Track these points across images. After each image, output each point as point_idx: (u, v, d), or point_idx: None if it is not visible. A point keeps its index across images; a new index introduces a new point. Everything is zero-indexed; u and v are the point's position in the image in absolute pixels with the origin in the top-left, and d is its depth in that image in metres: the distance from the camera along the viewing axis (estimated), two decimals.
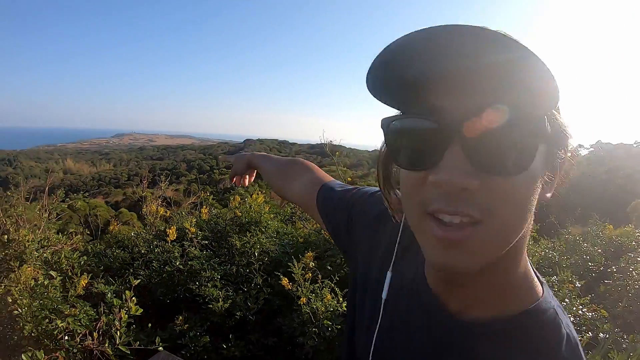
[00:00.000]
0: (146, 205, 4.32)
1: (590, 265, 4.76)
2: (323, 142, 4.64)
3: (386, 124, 0.52)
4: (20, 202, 3.28)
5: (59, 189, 3.84)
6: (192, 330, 2.86)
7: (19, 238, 2.85)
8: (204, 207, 4.39)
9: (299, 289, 2.70)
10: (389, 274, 0.72)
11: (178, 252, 3.38)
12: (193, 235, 3.54)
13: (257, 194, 4.12)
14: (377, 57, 0.46)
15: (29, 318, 2.24)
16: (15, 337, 2.26)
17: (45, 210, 3.44)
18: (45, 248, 3.00)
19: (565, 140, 0.51)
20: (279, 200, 5.32)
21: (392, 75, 0.48)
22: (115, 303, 2.39)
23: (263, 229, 3.92)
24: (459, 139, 0.45)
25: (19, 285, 2.37)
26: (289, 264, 2.78)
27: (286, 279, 2.76)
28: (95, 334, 2.32)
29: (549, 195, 0.54)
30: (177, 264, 3.28)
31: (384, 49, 0.45)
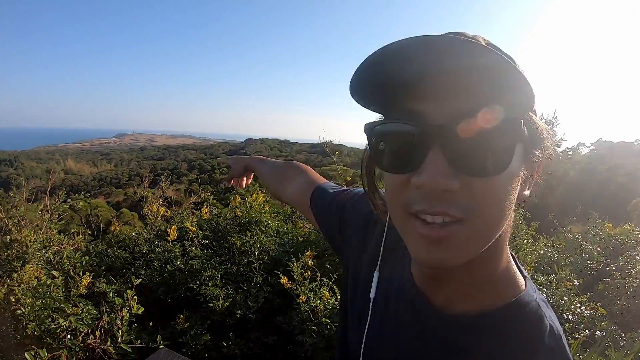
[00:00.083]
0: (147, 205, 4.34)
1: (589, 264, 4.77)
2: (323, 141, 4.66)
3: (369, 128, 0.55)
4: (22, 203, 3.30)
5: (60, 190, 3.86)
6: (192, 328, 2.88)
7: (21, 238, 2.88)
8: (205, 206, 4.42)
9: (298, 287, 2.73)
10: (376, 274, 0.75)
11: (179, 252, 3.40)
12: (194, 235, 3.56)
13: (258, 193, 4.15)
14: (359, 66, 0.48)
15: (32, 317, 2.26)
16: (19, 336, 2.28)
17: (47, 211, 3.46)
18: (48, 248, 3.02)
19: (541, 140, 0.53)
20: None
21: (374, 82, 0.50)
22: (117, 302, 2.41)
23: (263, 229, 3.95)
24: (439, 142, 0.47)
25: (22, 285, 2.39)
26: (289, 262, 2.81)
27: (285, 277, 2.79)
28: (97, 333, 2.34)
29: (527, 192, 0.56)
30: (178, 263, 3.31)
31: (366, 58, 0.47)
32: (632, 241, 5.41)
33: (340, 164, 5.19)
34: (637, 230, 5.86)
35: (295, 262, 2.76)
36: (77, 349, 2.28)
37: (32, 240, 2.88)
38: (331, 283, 2.83)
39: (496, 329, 0.57)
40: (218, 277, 3.24)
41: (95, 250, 3.63)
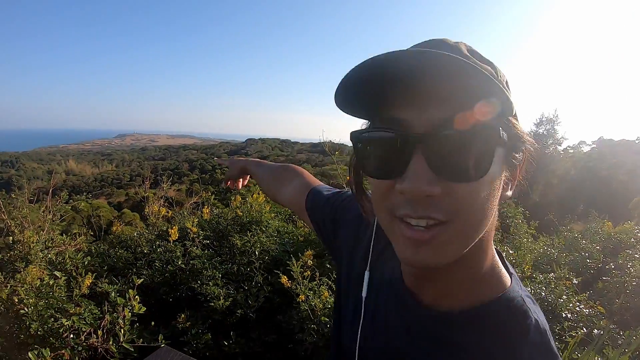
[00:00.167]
0: (148, 206, 4.37)
1: (589, 262, 4.78)
2: (322, 141, 4.68)
3: (355, 136, 0.58)
4: (25, 204, 3.33)
5: (62, 191, 3.89)
6: (194, 327, 2.91)
7: (24, 239, 2.91)
8: (206, 207, 4.44)
9: (298, 286, 2.75)
10: (367, 274, 0.77)
11: (180, 252, 3.43)
12: (195, 235, 3.59)
13: (258, 194, 4.17)
14: (343, 78, 0.51)
15: (35, 317, 2.29)
16: (22, 336, 2.30)
17: (49, 212, 3.49)
18: (50, 249, 3.05)
19: (521, 143, 0.56)
20: None
21: (358, 91, 0.53)
22: (119, 302, 2.44)
23: (264, 228, 3.98)
24: (421, 149, 0.50)
25: (25, 285, 2.42)
26: (288, 262, 2.83)
27: (285, 277, 2.82)
28: (99, 332, 2.36)
29: (509, 192, 0.59)
30: (179, 263, 3.34)
31: (350, 70, 0.50)
32: (632, 240, 5.42)
33: (341, 164, 5.21)
34: (636, 229, 5.87)
35: (294, 262, 2.79)
36: (80, 348, 2.31)
37: (35, 241, 2.91)
38: (330, 282, 2.86)
39: (482, 324, 0.60)
40: (219, 276, 3.26)
41: (97, 251, 3.65)
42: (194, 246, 3.53)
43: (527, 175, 0.61)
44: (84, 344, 2.33)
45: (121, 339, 2.35)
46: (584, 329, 2.87)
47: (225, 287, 3.19)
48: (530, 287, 3.12)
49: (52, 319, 2.32)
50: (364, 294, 0.76)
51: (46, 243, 3.08)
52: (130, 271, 3.39)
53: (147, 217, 4.31)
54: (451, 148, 0.49)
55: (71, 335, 2.33)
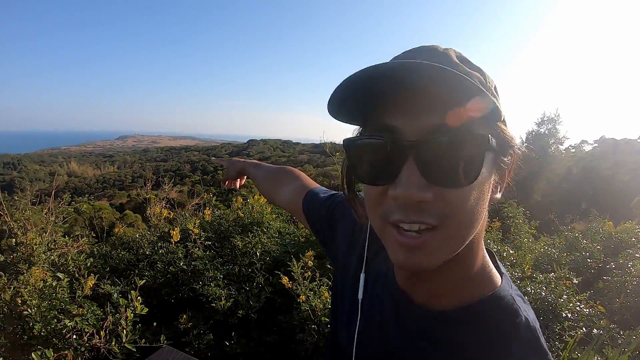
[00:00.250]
0: (150, 207, 4.39)
1: (589, 262, 4.78)
2: (323, 142, 4.70)
3: (347, 144, 0.59)
4: (27, 206, 3.35)
5: (64, 193, 3.91)
6: (195, 328, 2.93)
7: (26, 241, 2.93)
8: (207, 208, 4.46)
9: (299, 287, 2.77)
10: (362, 276, 0.79)
11: (182, 253, 3.45)
12: (196, 236, 3.61)
13: (260, 195, 4.18)
14: (337, 87, 0.53)
15: (39, 318, 2.31)
16: (26, 337, 2.33)
17: (52, 214, 3.50)
18: (53, 251, 3.07)
19: (510, 147, 0.58)
20: None
21: (351, 99, 0.54)
22: (121, 303, 2.46)
23: (265, 230, 3.99)
24: (412, 156, 0.51)
25: (28, 286, 2.44)
26: (289, 263, 2.85)
27: (286, 277, 2.83)
28: (102, 333, 2.39)
29: (498, 195, 0.61)
30: (181, 264, 3.36)
31: (344, 79, 0.52)
32: (633, 239, 5.41)
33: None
34: (637, 228, 5.85)
35: (295, 263, 2.80)
36: (83, 348, 2.33)
37: (38, 243, 2.93)
38: (330, 283, 2.87)
39: (473, 322, 0.61)
40: (220, 277, 3.28)
41: (100, 252, 3.68)
42: (196, 247, 3.55)
43: (516, 178, 0.63)
44: (87, 344, 2.35)
45: (123, 340, 2.37)
46: (584, 328, 2.88)
47: (227, 288, 3.21)
48: (531, 287, 3.12)
49: (55, 320, 2.34)
50: (360, 296, 0.77)
51: (49, 245, 3.10)
52: (132, 272, 3.41)
53: (149, 218, 4.33)
54: (441, 155, 0.50)
55: (74, 336, 2.35)
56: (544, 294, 3.07)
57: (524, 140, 24.29)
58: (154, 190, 5.47)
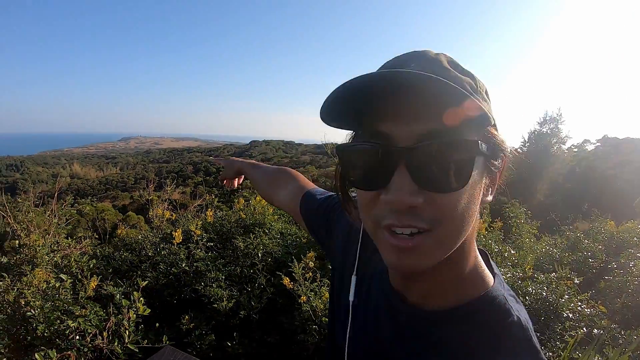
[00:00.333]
0: (153, 209, 4.40)
1: (591, 262, 4.77)
2: (324, 143, 4.71)
3: (340, 149, 0.61)
4: (30, 208, 3.37)
5: (67, 194, 3.93)
6: (197, 329, 2.95)
7: (30, 243, 2.95)
8: (209, 209, 4.48)
9: (300, 288, 2.78)
10: (353, 278, 0.81)
11: (184, 254, 3.47)
12: (198, 238, 3.62)
13: None
14: (330, 94, 0.54)
15: (42, 319, 2.33)
16: (29, 338, 2.34)
17: (55, 215, 3.52)
18: (56, 252, 3.09)
19: (500, 151, 0.59)
20: None
21: (343, 108, 0.56)
22: (124, 304, 2.48)
23: (267, 231, 4.01)
24: (404, 162, 0.53)
25: (32, 288, 2.45)
26: (290, 264, 2.86)
27: (287, 278, 2.84)
28: (105, 334, 2.40)
29: (490, 197, 0.62)
30: (183, 265, 3.37)
31: (340, 85, 0.53)
32: (635, 239, 5.38)
33: None
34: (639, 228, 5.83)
35: (296, 264, 2.82)
36: (86, 349, 2.35)
37: (41, 244, 2.95)
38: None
39: (465, 322, 0.63)
40: (222, 278, 3.29)
41: (102, 254, 3.69)
42: (198, 249, 3.57)
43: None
44: (90, 345, 2.37)
45: (126, 340, 2.39)
46: (585, 328, 2.87)
47: (229, 288, 3.23)
48: (532, 287, 3.12)
49: (58, 321, 2.35)
50: (351, 298, 0.79)
51: (52, 246, 3.12)
52: (134, 274, 3.42)
53: (152, 220, 4.34)
54: (432, 160, 0.52)
55: (77, 337, 2.37)
56: (545, 294, 3.07)
57: (527, 140, 24.26)
58: (156, 192, 5.48)
